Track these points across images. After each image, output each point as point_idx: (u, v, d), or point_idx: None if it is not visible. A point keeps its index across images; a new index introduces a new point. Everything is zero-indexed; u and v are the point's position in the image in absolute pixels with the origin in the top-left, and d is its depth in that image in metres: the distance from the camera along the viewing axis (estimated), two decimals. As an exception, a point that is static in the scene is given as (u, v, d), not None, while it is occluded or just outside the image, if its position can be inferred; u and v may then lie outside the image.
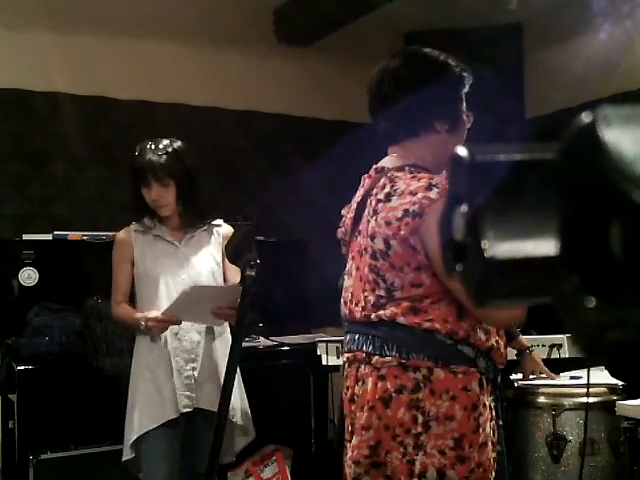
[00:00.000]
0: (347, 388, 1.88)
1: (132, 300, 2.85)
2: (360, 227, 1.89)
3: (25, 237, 3.86)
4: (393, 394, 1.74)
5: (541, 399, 3.00)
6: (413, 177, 1.78)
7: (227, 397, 2.28)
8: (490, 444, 1.79)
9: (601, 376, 3.13)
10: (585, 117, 0.40)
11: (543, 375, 3.14)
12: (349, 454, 1.81)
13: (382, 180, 1.84)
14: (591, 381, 3.08)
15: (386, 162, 1.91)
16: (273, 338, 4.01)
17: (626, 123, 0.39)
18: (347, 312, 1.90)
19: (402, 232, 1.72)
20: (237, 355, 2.28)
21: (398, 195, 1.76)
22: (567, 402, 2.95)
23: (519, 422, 3.07)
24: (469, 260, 0.47)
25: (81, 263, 3.87)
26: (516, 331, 3.11)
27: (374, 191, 1.85)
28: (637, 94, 4.14)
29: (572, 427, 2.92)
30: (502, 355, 1.87)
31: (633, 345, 0.39)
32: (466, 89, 1.94)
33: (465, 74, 1.94)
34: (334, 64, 4.97)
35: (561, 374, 3.20)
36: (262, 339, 4.00)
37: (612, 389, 2.98)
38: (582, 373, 3.19)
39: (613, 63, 4.24)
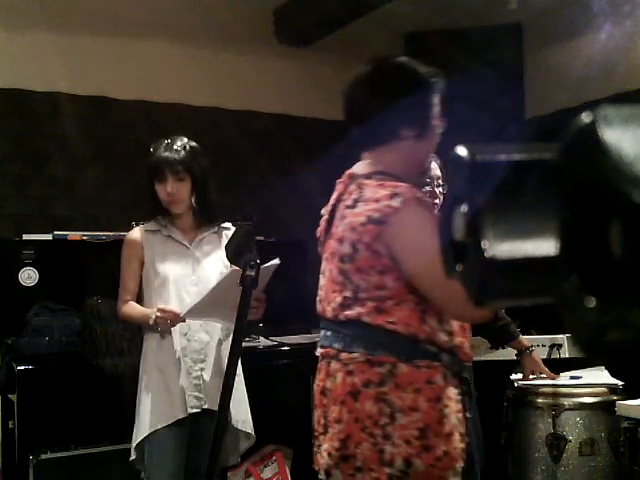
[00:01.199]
0: (319, 381, 1.97)
1: (138, 302, 2.85)
2: (332, 230, 1.98)
3: (25, 237, 3.86)
4: (361, 388, 1.83)
5: (541, 399, 3.00)
6: (379, 185, 1.86)
7: (227, 397, 2.28)
8: (458, 434, 1.86)
9: (601, 376, 3.14)
10: (585, 117, 0.40)
11: (543, 375, 3.14)
12: (324, 445, 1.89)
13: (351, 186, 1.93)
14: (591, 381, 3.09)
15: (357, 168, 1.98)
16: (273, 338, 4.01)
17: (626, 123, 0.39)
18: (321, 310, 2.00)
19: (366, 238, 1.82)
20: (237, 355, 2.28)
21: (363, 202, 1.86)
22: (567, 402, 2.95)
23: (519, 422, 3.07)
24: (469, 260, 0.47)
25: (81, 263, 3.87)
26: (516, 331, 3.11)
27: (344, 197, 1.95)
28: (637, 94, 4.14)
29: (572, 427, 2.93)
30: (467, 354, 1.94)
31: (633, 345, 0.39)
32: (438, 94, 1.98)
33: (435, 80, 1.97)
34: (334, 64, 4.96)
35: (561, 374, 3.20)
36: (262, 339, 3.99)
37: (612, 389, 2.98)
38: (582, 373, 3.19)
39: (613, 63, 4.24)
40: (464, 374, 1.95)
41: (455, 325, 1.90)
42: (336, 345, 1.91)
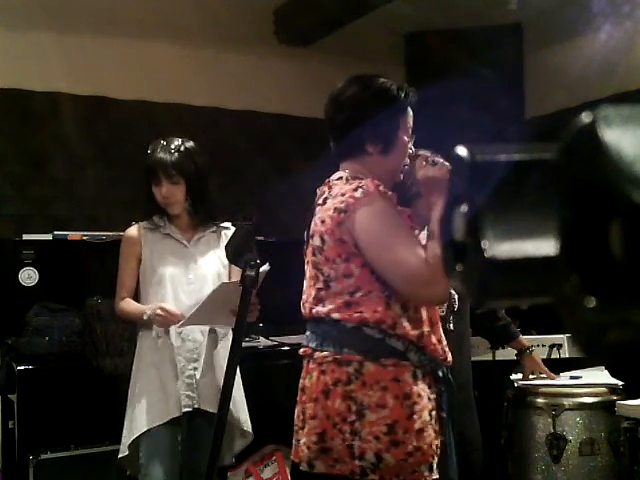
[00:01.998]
0: (301, 379, 2.06)
1: (135, 300, 2.85)
2: (310, 232, 2.08)
3: (25, 237, 3.86)
4: (331, 387, 1.92)
5: (541, 399, 3.00)
6: (346, 183, 2.00)
7: (227, 397, 2.28)
8: (431, 431, 1.92)
9: (601, 376, 3.14)
10: (585, 117, 0.40)
11: (543, 375, 3.14)
12: (302, 439, 1.99)
13: (324, 188, 2.07)
14: (591, 381, 3.09)
15: (334, 176, 2.10)
16: (273, 338, 4.01)
17: (626, 123, 0.39)
18: (303, 311, 2.09)
19: (331, 228, 1.94)
20: (237, 355, 2.28)
21: (332, 197, 1.98)
22: (567, 402, 2.95)
23: (519, 422, 3.07)
24: (469, 260, 0.47)
25: (81, 263, 3.87)
26: (516, 331, 3.11)
27: (319, 200, 2.06)
28: (637, 94, 4.14)
29: (572, 427, 2.93)
30: (437, 348, 1.97)
31: (633, 345, 0.39)
32: (407, 111, 2.07)
33: (405, 97, 2.06)
34: (334, 64, 4.96)
35: (561, 374, 3.20)
36: (262, 339, 3.99)
37: (612, 389, 2.98)
38: (582, 373, 3.19)
39: (613, 63, 4.24)
40: (440, 373, 1.98)
41: (423, 314, 1.97)
42: (312, 344, 2.01)
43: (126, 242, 2.85)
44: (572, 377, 3.16)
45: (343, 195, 1.94)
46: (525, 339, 3.15)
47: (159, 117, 4.42)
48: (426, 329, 1.95)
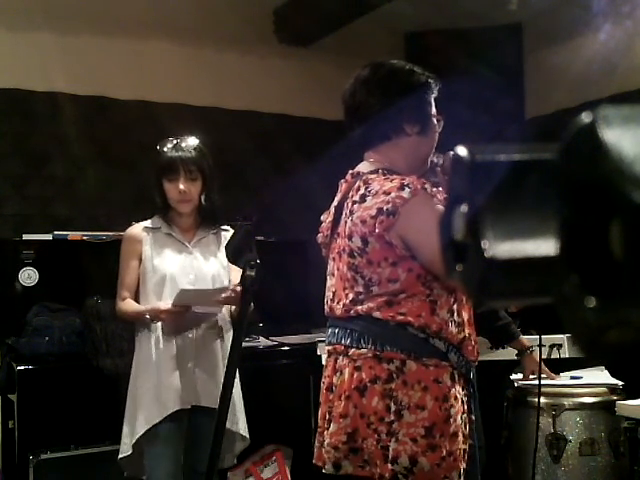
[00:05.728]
0: (325, 377, 2.00)
1: (135, 298, 2.85)
2: (339, 229, 2.01)
3: (25, 237, 3.86)
4: (368, 384, 1.85)
5: (541, 399, 3.00)
6: (386, 179, 1.90)
7: (227, 395, 2.28)
8: (461, 435, 1.87)
9: (601, 376, 3.14)
10: (585, 117, 0.40)
11: (543, 375, 3.13)
12: (327, 440, 1.92)
13: (357, 183, 1.97)
14: (591, 381, 3.09)
15: (361, 167, 2.03)
16: (273, 338, 4.01)
17: (626, 123, 0.39)
18: (328, 310, 2.04)
19: (377, 230, 1.84)
20: (237, 355, 2.28)
21: (372, 195, 1.88)
22: (567, 402, 2.95)
23: (519, 422, 3.07)
24: (469, 260, 0.47)
25: (81, 263, 3.87)
26: (517, 331, 3.11)
27: (350, 194, 1.98)
28: (637, 94, 4.14)
29: (572, 427, 2.92)
30: (473, 349, 1.95)
31: (633, 345, 0.39)
32: (434, 94, 2.05)
33: (431, 81, 2.05)
34: (334, 64, 4.96)
35: (561, 374, 3.20)
36: (262, 339, 3.99)
37: (612, 389, 2.98)
38: (582, 373, 3.20)
39: (613, 63, 4.24)
40: (470, 375, 1.96)
41: (464, 316, 1.92)
42: (345, 341, 1.93)
43: (127, 241, 2.85)
44: (572, 377, 3.16)
45: (387, 194, 1.85)
46: (525, 339, 3.15)
47: (159, 117, 4.41)
48: (467, 331, 1.92)
